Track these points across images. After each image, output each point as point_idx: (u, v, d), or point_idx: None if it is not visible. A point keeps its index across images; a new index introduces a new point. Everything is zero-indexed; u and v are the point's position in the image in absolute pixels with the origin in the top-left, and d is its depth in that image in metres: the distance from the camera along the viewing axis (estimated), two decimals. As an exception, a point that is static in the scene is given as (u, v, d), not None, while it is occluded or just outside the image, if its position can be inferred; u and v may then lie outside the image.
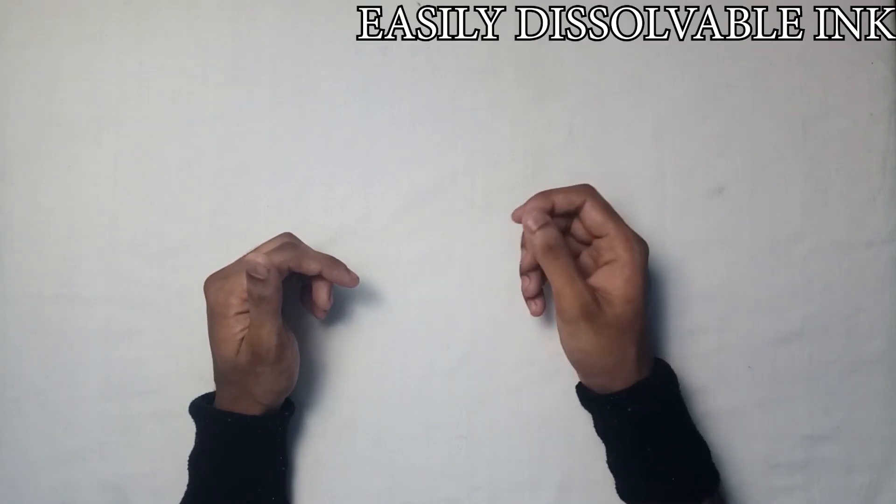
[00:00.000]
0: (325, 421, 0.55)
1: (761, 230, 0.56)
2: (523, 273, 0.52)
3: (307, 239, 0.52)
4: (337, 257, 0.51)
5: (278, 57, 0.58)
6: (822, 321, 0.56)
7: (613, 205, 0.53)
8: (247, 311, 0.48)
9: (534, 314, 0.52)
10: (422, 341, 0.56)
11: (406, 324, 0.56)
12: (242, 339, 0.48)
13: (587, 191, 0.49)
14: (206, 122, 0.57)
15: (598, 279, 0.48)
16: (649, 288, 0.49)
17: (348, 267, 0.51)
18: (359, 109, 0.57)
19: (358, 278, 0.51)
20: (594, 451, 0.54)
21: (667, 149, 0.57)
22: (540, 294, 0.52)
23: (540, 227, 0.47)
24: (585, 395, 0.51)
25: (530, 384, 0.55)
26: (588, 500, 0.54)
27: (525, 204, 0.49)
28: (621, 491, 0.51)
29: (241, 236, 0.53)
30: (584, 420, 0.54)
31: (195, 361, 0.54)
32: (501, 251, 0.56)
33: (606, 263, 0.48)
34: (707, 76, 0.57)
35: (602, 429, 0.51)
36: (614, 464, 0.51)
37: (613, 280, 0.47)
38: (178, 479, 0.51)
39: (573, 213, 0.50)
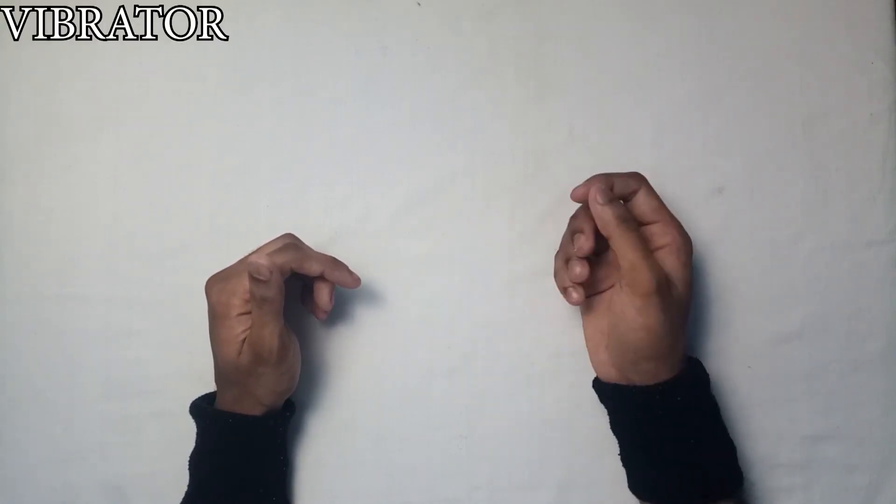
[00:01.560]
0: (325, 421, 0.55)
1: (761, 230, 0.56)
2: (575, 258, 0.49)
3: (307, 239, 0.52)
4: (337, 257, 0.51)
5: (278, 57, 0.58)
6: (822, 321, 0.56)
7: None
8: (249, 313, 0.48)
9: (574, 302, 0.49)
10: (422, 341, 0.56)
11: (406, 324, 0.56)
12: (244, 340, 0.48)
13: (642, 178, 0.49)
14: (206, 122, 0.57)
15: (663, 260, 0.48)
16: None
17: (349, 268, 0.51)
18: (359, 109, 0.57)
19: (359, 279, 0.51)
20: (594, 451, 0.54)
21: (667, 149, 0.57)
22: (574, 284, 0.49)
23: (610, 201, 0.47)
24: (609, 390, 0.50)
25: (530, 384, 0.55)
26: (588, 500, 0.54)
27: (585, 183, 0.48)
28: (634, 485, 0.50)
29: (241, 236, 0.53)
30: (584, 420, 0.54)
31: (195, 361, 0.54)
32: (501, 251, 0.56)
33: (660, 248, 0.48)
34: (707, 76, 0.57)
35: (622, 423, 0.50)
36: (631, 458, 0.50)
37: (672, 262, 0.47)
38: (178, 479, 0.51)
39: (626, 199, 0.49)
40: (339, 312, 0.56)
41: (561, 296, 0.50)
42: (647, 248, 0.47)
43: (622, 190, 0.49)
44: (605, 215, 0.46)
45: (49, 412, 0.56)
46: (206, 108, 0.57)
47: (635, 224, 0.47)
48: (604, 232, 0.47)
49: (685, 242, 0.48)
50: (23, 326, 0.56)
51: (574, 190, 0.48)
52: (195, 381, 0.54)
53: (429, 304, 0.56)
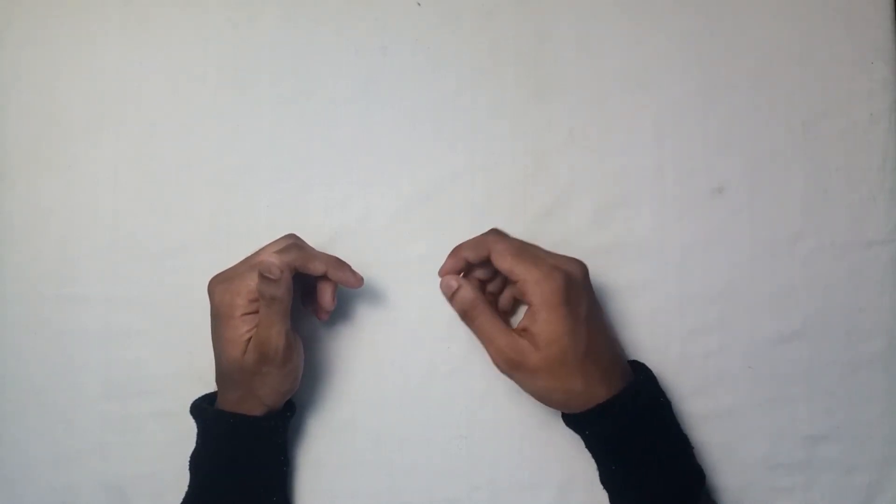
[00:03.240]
0: (325, 421, 0.55)
1: (761, 230, 0.56)
2: None
3: (308, 239, 0.52)
4: (339, 257, 0.51)
5: (278, 57, 0.58)
6: (822, 321, 0.56)
7: (613, 205, 0.53)
8: (253, 312, 0.48)
9: None
10: (422, 341, 0.56)
11: (406, 324, 0.56)
12: (249, 339, 0.48)
13: (491, 240, 0.49)
14: (206, 122, 0.57)
15: (526, 321, 0.48)
16: (586, 311, 0.47)
17: (352, 267, 0.51)
18: (359, 109, 0.57)
19: (362, 279, 0.51)
20: (594, 451, 0.54)
21: (667, 149, 0.57)
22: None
23: (453, 294, 0.49)
24: (568, 417, 0.51)
25: (530, 384, 0.55)
26: (588, 500, 0.54)
27: (443, 264, 0.50)
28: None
29: (241, 236, 0.53)
30: (584, 420, 0.54)
31: (195, 361, 0.54)
32: (501, 251, 0.56)
33: (529, 304, 0.48)
34: (707, 76, 0.57)
35: (589, 446, 0.51)
36: (607, 479, 0.50)
37: (534, 322, 0.47)
38: (178, 479, 0.51)
39: (486, 260, 0.50)
40: (339, 313, 0.56)
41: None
42: (491, 332, 0.48)
43: (476, 256, 0.50)
44: (455, 308, 0.49)
45: (49, 412, 0.56)
46: (206, 108, 0.57)
47: (479, 309, 0.49)
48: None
49: (543, 299, 0.46)
50: (23, 326, 0.56)
51: (440, 273, 0.51)
52: (195, 381, 0.54)
53: (429, 304, 0.56)
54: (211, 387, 0.52)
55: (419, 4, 0.58)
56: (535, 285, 0.47)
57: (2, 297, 0.56)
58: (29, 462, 0.55)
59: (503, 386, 0.55)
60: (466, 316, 0.49)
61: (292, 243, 0.50)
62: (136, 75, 0.58)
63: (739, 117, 0.57)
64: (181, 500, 0.51)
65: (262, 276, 0.46)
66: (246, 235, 0.52)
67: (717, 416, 0.55)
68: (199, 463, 0.51)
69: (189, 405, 0.51)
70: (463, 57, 0.58)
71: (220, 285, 0.49)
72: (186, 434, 0.51)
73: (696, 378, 0.55)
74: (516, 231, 0.56)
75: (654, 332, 0.56)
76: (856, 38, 0.57)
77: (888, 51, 0.57)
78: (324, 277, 0.50)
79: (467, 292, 0.49)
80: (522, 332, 0.48)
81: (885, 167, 0.57)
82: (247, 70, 0.58)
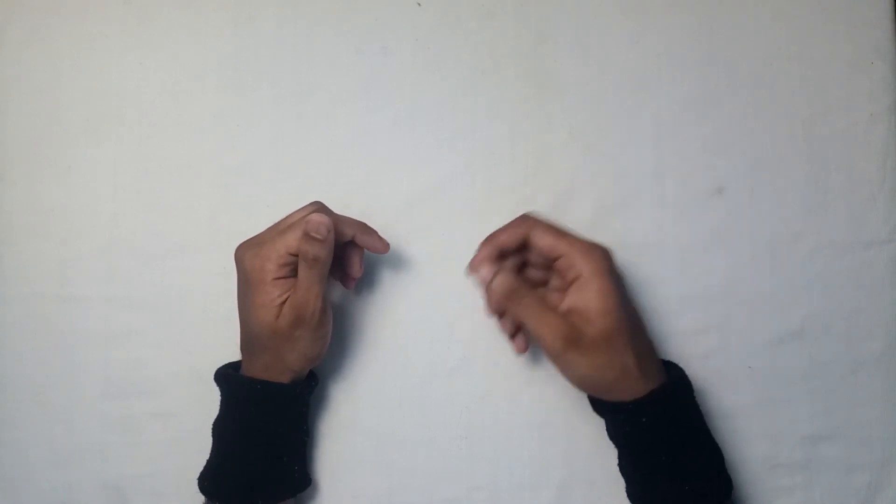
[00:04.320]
0: (325, 421, 0.55)
1: (761, 230, 0.56)
2: (495, 315, 0.51)
3: (307, 239, 0.52)
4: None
5: (278, 57, 0.58)
6: (822, 321, 0.56)
7: (613, 205, 0.53)
8: (284, 277, 0.47)
9: (519, 352, 0.52)
10: (422, 341, 0.56)
11: (406, 324, 0.56)
12: (282, 303, 0.47)
13: (529, 222, 0.49)
14: (206, 122, 0.57)
15: (570, 300, 0.47)
16: (625, 291, 0.48)
17: (378, 233, 0.51)
18: (359, 109, 0.57)
19: (388, 244, 0.51)
20: (594, 451, 0.54)
21: (667, 149, 0.57)
22: (519, 331, 0.52)
23: (494, 277, 0.47)
24: (597, 402, 0.50)
25: (530, 384, 0.55)
26: (588, 500, 0.54)
27: (476, 254, 0.49)
28: (631, 495, 0.50)
29: (241, 236, 0.53)
30: (584, 420, 0.54)
31: (195, 361, 0.54)
32: (501, 251, 0.56)
33: (573, 282, 0.47)
34: (707, 76, 0.57)
35: (614, 434, 0.50)
36: (626, 468, 0.50)
37: (585, 296, 0.46)
38: (178, 479, 0.51)
39: (524, 247, 0.49)
40: (339, 312, 0.56)
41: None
42: (542, 310, 0.47)
43: (513, 243, 0.49)
44: (493, 292, 0.47)
45: (49, 412, 0.56)
46: (206, 108, 0.57)
47: (524, 289, 0.47)
48: (499, 310, 0.49)
49: (594, 268, 0.46)
50: (23, 326, 0.56)
51: (469, 265, 0.49)
52: (195, 381, 0.54)
53: (429, 304, 0.56)
54: (211, 386, 0.52)
55: (419, 4, 0.58)
56: (584, 255, 0.47)
57: (2, 297, 0.56)
58: (29, 462, 0.55)
59: (503, 386, 0.55)
60: (511, 300, 0.47)
61: (319, 209, 0.50)
62: (136, 75, 0.58)
63: (739, 117, 0.57)
64: (202, 468, 0.50)
65: (308, 236, 0.46)
66: (246, 235, 0.52)
67: (716, 416, 0.55)
68: (222, 429, 0.50)
69: (189, 405, 0.51)
70: (463, 57, 0.58)
71: (249, 251, 0.48)
72: (186, 434, 0.51)
73: (696, 378, 0.55)
74: (516, 231, 0.56)
75: (653, 332, 0.55)
76: (856, 38, 0.58)
77: (888, 51, 0.57)
78: (351, 243, 0.50)
79: (507, 276, 0.47)
80: (568, 312, 0.47)
81: (885, 167, 0.57)
82: (247, 70, 0.58)
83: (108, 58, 0.58)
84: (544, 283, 0.51)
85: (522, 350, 0.52)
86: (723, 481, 0.49)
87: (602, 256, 0.47)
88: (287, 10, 0.58)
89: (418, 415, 0.55)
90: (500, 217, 0.56)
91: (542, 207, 0.56)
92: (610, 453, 0.52)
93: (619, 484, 0.51)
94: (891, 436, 0.55)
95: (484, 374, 0.55)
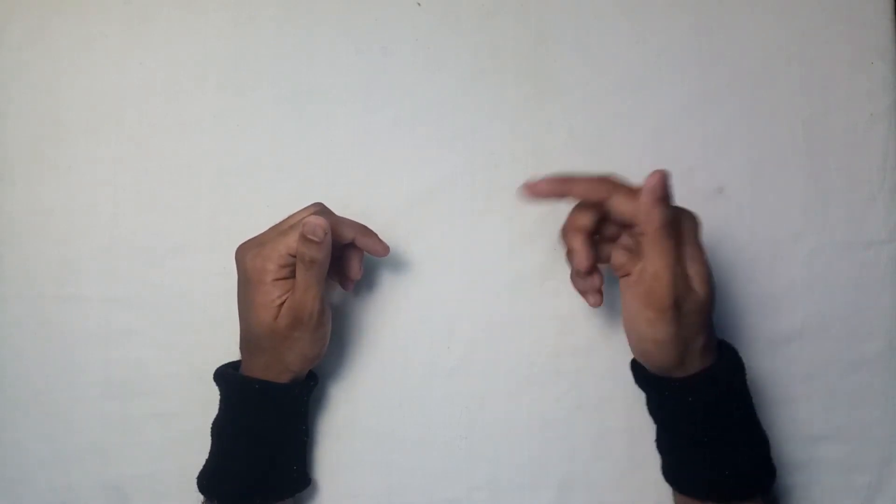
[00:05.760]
0: (326, 421, 0.55)
1: (761, 230, 0.56)
2: (586, 268, 0.47)
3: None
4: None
5: (278, 57, 0.58)
6: (822, 321, 0.56)
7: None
8: (284, 278, 0.48)
9: (595, 305, 0.49)
10: (422, 341, 0.56)
11: (406, 324, 0.56)
12: (280, 304, 0.48)
13: (613, 181, 0.46)
14: (206, 122, 0.57)
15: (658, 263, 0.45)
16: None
17: (378, 235, 0.51)
18: (359, 109, 0.57)
19: (388, 247, 0.51)
20: (594, 451, 0.54)
21: (667, 149, 0.57)
22: (594, 280, 0.49)
23: (661, 201, 0.43)
24: (642, 374, 0.49)
25: (530, 384, 0.55)
26: (588, 500, 0.54)
27: (536, 181, 0.46)
28: (667, 472, 0.49)
29: (241, 236, 0.53)
30: (583, 420, 0.54)
31: (195, 361, 0.54)
32: (501, 251, 0.56)
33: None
34: (707, 76, 0.57)
35: (656, 409, 0.49)
36: (666, 445, 0.49)
37: (688, 263, 0.45)
38: (179, 479, 0.51)
39: (598, 205, 0.46)
40: (339, 313, 0.56)
41: (560, 296, 0.50)
42: (677, 262, 0.44)
43: (590, 194, 0.46)
44: (652, 217, 0.43)
45: (49, 412, 0.56)
46: (206, 108, 0.57)
47: (675, 231, 0.44)
48: (641, 228, 0.44)
49: (694, 238, 0.45)
50: (23, 326, 0.56)
51: (573, 186, 0.46)
52: (195, 381, 0.54)
53: (429, 304, 0.56)
54: (211, 386, 0.52)
55: (419, 4, 0.58)
56: (687, 221, 0.45)
57: (2, 297, 0.56)
58: (29, 462, 0.55)
59: (503, 386, 0.55)
60: (667, 231, 0.43)
61: (320, 210, 0.50)
62: (136, 75, 0.58)
63: (739, 117, 0.57)
64: (201, 468, 0.50)
65: (304, 238, 0.46)
66: (246, 235, 0.52)
67: (717, 416, 0.55)
68: (222, 429, 0.50)
69: (189, 405, 0.51)
70: (463, 57, 0.58)
71: (250, 251, 0.49)
72: (186, 434, 0.51)
73: (696, 378, 0.55)
74: (516, 231, 0.56)
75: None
76: (856, 38, 0.58)
77: (888, 51, 0.57)
78: (351, 245, 0.50)
79: (671, 208, 0.43)
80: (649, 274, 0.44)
81: (885, 167, 0.57)
82: (247, 70, 0.58)
83: (108, 58, 0.58)
84: (613, 240, 0.48)
85: (599, 303, 0.49)
86: (765, 471, 0.47)
87: (698, 223, 0.46)
88: (287, 10, 0.58)
89: (418, 415, 0.55)
90: (500, 217, 0.56)
91: (542, 207, 0.56)
92: (610, 452, 0.52)
93: (620, 484, 0.51)
94: (891, 436, 0.55)
95: (484, 374, 0.55)
